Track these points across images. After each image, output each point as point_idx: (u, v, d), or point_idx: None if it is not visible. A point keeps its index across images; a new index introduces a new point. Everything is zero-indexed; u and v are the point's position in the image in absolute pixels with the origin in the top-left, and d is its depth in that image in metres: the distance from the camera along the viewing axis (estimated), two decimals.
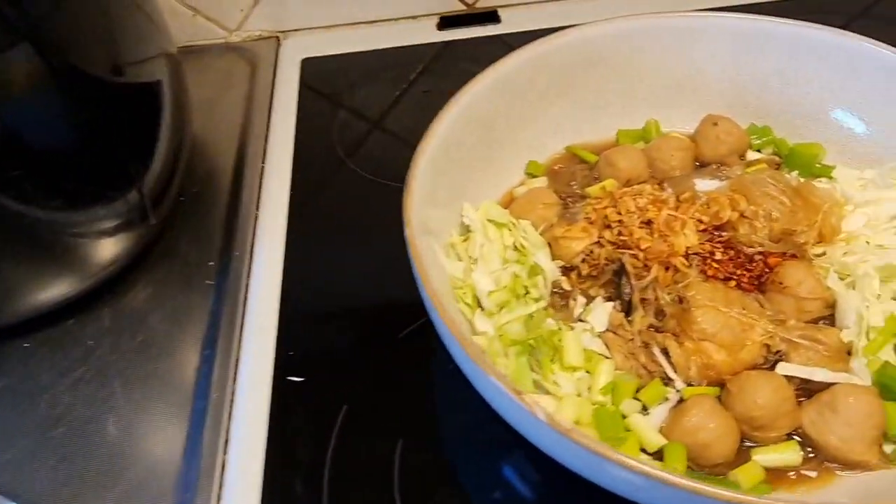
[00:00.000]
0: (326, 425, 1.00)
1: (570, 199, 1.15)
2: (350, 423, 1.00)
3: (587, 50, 1.19)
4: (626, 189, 1.09)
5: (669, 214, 1.01)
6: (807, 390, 0.89)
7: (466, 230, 1.08)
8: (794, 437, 0.87)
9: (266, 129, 1.50)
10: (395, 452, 0.96)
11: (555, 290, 1.04)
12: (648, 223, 1.02)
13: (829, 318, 0.97)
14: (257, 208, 1.34)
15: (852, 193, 1.03)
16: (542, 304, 0.96)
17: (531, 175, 1.22)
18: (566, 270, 1.05)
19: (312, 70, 1.64)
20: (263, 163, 1.43)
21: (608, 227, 1.03)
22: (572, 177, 1.21)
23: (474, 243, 1.03)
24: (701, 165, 1.20)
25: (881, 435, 0.83)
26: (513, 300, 0.97)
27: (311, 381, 1.06)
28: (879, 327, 0.91)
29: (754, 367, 0.92)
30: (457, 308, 0.98)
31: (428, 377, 1.05)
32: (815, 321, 0.96)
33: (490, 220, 1.08)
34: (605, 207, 1.05)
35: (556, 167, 1.23)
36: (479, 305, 0.99)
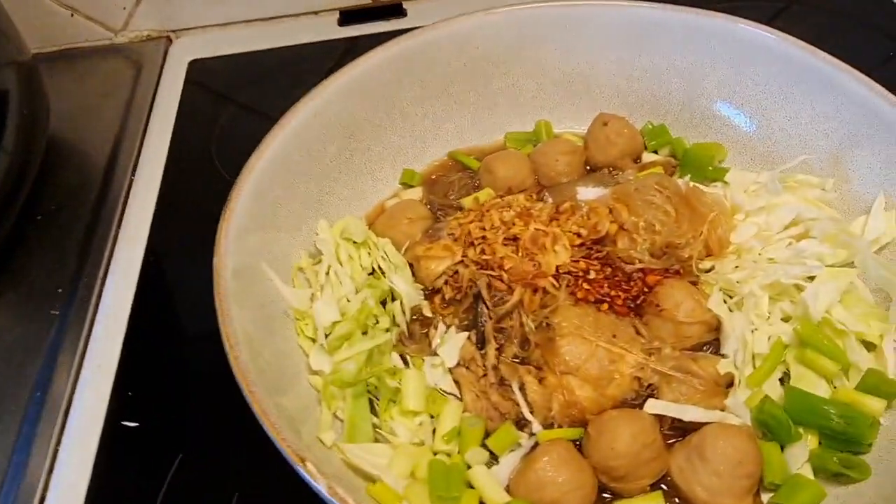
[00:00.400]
0: (156, 478, 0.88)
1: (441, 213, 1.04)
2: (183, 474, 0.88)
3: (462, 45, 1.07)
4: (495, 201, 0.98)
5: (538, 229, 0.90)
6: (681, 429, 0.79)
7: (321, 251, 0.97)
8: (662, 485, 0.76)
9: (141, 139, 1.37)
10: None
11: (415, 316, 0.93)
12: (515, 239, 0.91)
13: (717, 342, 0.86)
14: (119, 227, 1.21)
15: (742, 200, 0.91)
16: (387, 337, 0.85)
17: (406, 185, 1.10)
18: (432, 294, 0.94)
19: (200, 73, 1.50)
20: (133, 175, 1.30)
21: (472, 244, 0.92)
22: (451, 186, 1.09)
23: (322, 267, 0.92)
24: (592, 170, 1.09)
25: (755, 483, 0.72)
26: (357, 332, 0.85)
27: (147, 426, 0.93)
28: (765, 354, 0.81)
29: (624, 404, 0.81)
30: (294, 343, 0.87)
31: None
32: (697, 347, 0.86)
33: (347, 239, 0.97)
34: (471, 222, 0.94)
35: (433, 176, 1.11)
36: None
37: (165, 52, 1.57)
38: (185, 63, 1.52)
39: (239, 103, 1.42)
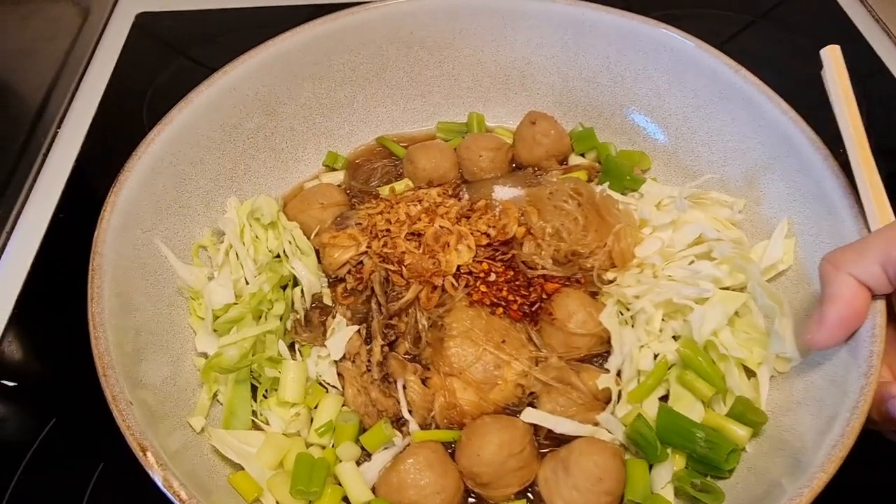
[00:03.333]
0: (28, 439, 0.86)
1: (357, 200, 1.02)
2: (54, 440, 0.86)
3: (396, 29, 1.05)
4: (407, 194, 0.97)
5: (442, 227, 0.89)
6: (557, 439, 0.79)
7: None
8: (529, 493, 0.76)
9: (75, 90, 1.33)
10: (93, 477, 0.83)
11: (315, 304, 0.92)
12: (419, 235, 0.90)
13: (608, 355, 0.86)
14: (33, 184, 1.18)
15: (650, 214, 0.91)
16: (276, 324, 0.84)
17: (329, 168, 1.08)
18: (336, 282, 0.93)
19: (146, 26, 1.45)
20: (59, 128, 1.26)
21: (377, 236, 0.91)
22: (373, 173, 1.08)
23: (223, 246, 0.90)
24: (518, 168, 1.08)
25: (615, 500, 0.72)
26: (248, 317, 0.84)
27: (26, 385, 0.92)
28: (649, 371, 0.81)
29: (505, 410, 0.82)
30: (185, 322, 0.86)
31: None
32: (588, 359, 0.86)
33: (256, 219, 0.95)
34: (379, 213, 0.93)
35: (358, 160, 1.10)
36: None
37: (115, 2, 1.52)
38: (132, 14, 1.47)
39: (181, 63, 1.38)
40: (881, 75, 1.29)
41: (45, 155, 1.22)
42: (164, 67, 1.36)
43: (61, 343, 0.97)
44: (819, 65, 0.78)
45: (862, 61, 1.31)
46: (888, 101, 1.24)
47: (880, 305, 0.68)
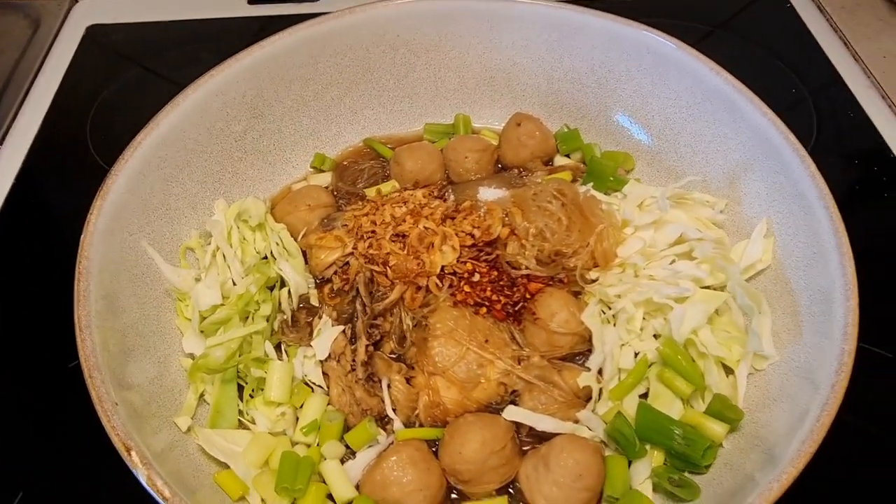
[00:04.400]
0: None
1: (344, 201, 1.04)
2: None
3: (382, 32, 1.06)
4: (393, 195, 0.98)
5: (426, 228, 0.90)
6: (539, 437, 0.80)
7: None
8: (510, 489, 0.78)
9: (19, 107, 1.29)
10: None
11: (302, 305, 0.93)
12: (404, 236, 0.91)
13: (591, 353, 0.87)
14: None
15: (632, 214, 0.92)
16: (263, 325, 0.85)
17: (317, 169, 1.09)
18: (323, 283, 0.94)
19: (96, 39, 1.41)
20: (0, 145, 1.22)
21: (363, 237, 0.92)
22: (360, 174, 1.09)
23: (210, 248, 0.91)
24: (503, 169, 1.09)
25: (595, 496, 0.74)
26: (235, 318, 0.85)
27: None
28: (629, 369, 0.82)
29: (488, 408, 0.83)
30: (173, 323, 0.87)
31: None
32: (571, 357, 0.87)
33: (244, 221, 0.96)
34: (365, 215, 0.94)
35: (345, 162, 1.11)
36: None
37: (67, 14, 1.48)
38: (83, 26, 1.44)
39: (130, 76, 1.35)
40: (835, 86, 1.26)
41: None
42: (112, 80, 1.33)
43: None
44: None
45: (817, 71, 1.28)
46: (841, 110, 1.22)
47: (853, 305, 0.69)
